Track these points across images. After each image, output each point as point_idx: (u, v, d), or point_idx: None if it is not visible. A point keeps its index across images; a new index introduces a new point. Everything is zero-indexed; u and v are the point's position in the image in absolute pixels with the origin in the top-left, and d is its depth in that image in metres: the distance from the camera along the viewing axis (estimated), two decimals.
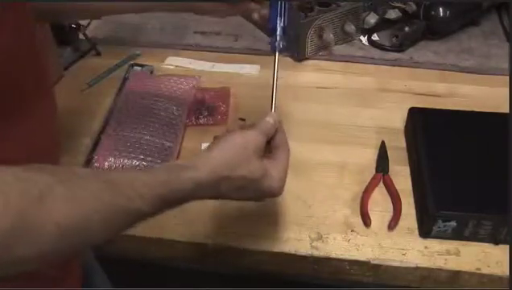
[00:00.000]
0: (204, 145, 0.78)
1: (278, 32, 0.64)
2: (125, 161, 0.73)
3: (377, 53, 0.97)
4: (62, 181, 0.40)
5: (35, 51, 0.48)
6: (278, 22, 0.64)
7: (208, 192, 0.51)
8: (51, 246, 0.39)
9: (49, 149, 0.51)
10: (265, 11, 0.68)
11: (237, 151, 0.53)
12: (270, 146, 0.57)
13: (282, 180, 0.55)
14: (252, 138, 0.54)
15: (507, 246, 0.65)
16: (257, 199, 0.56)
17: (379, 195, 0.72)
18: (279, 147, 0.57)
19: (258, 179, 0.53)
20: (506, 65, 0.93)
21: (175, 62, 0.96)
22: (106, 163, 0.73)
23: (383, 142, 0.78)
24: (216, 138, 0.55)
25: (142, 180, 0.46)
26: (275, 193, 0.55)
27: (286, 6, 0.65)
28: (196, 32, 1.01)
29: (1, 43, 0.41)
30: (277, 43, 0.64)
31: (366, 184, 0.73)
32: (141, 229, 0.67)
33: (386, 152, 0.77)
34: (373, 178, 0.73)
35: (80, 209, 0.40)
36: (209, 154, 0.52)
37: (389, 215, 0.69)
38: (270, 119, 0.58)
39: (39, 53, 0.49)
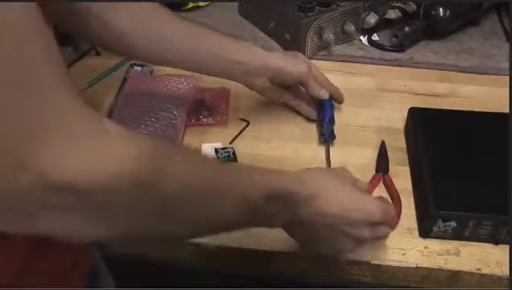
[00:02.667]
0: (204, 145, 0.78)
1: (326, 127, 0.79)
2: None
3: (377, 53, 0.97)
4: (179, 152, 0.46)
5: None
6: (326, 118, 0.80)
7: (308, 194, 0.53)
8: (171, 202, 0.41)
9: None
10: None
11: (336, 174, 0.59)
12: None
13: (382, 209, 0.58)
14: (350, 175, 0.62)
15: (507, 246, 0.65)
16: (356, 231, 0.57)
17: (379, 195, 0.72)
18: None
19: (358, 208, 0.56)
20: (506, 65, 0.93)
21: None
22: None
23: (383, 142, 0.78)
24: None
25: (255, 169, 0.50)
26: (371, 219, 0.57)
27: (332, 109, 0.81)
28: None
29: None
30: (326, 136, 0.78)
31: (366, 183, 0.73)
32: None
33: (386, 152, 0.77)
34: (373, 178, 0.73)
35: (195, 175, 0.43)
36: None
37: None
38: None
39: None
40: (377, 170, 0.74)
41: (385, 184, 0.73)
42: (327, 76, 0.93)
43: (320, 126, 0.80)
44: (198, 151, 0.47)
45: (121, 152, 0.36)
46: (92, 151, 0.35)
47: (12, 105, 0.32)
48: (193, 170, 0.43)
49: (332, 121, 0.80)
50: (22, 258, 0.47)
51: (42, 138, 0.33)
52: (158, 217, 0.41)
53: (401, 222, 0.68)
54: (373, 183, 0.72)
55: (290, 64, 0.76)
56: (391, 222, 0.61)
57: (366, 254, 0.65)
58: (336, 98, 0.82)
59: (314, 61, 0.95)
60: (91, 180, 0.34)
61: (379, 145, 0.78)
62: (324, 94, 0.79)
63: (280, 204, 0.51)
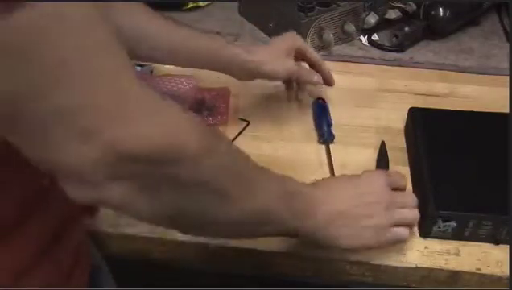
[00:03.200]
0: None
1: (323, 128, 0.80)
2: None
3: (377, 53, 0.97)
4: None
5: None
6: (322, 119, 0.81)
7: (322, 196, 0.56)
8: (222, 180, 0.44)
9: None
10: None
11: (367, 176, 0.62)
12: None
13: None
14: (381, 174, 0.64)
15: (507, 246, 0.65)
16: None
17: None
18: None
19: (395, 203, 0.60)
20: (506, 65, 0.93)
21: None
22: None
23: (383, 143, 0.78)
24: None
25: (288, 180, 0.54)
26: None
27: (329, 110, 0.83)
28: None
29: None
30: (325, 136, 0.79)
31: None
32: (141, 230, 0.67)
33: (386, 152, 0.77)
34: None
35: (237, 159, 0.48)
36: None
37: None
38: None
39: None
40: (377, 168, 0.74)
41: None
42: None
43: (318, 127, 0.81)
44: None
45: (185, 125, 0.40)
46: (158, 124, 0.37)
47: (84, 79, 0.34)
48: (237, 157, 0.48)
49: (328, 121, 0.81)
50: (24, 258, 0.47)
51: (112, 111, 0.35)
52: (211, 194, 0.43)
53: None
54: None
55: (274, 64, 0.74)
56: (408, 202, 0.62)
57: (366, 254, 0.65)
58: (326, 81, 0.80)
59: None
60: (156, 149, 0.37)
61: (379, 145, 0.78)
62: (317, 80, 0.77)
63: (299, 199, 0.54)
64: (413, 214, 0.61)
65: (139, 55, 0.73)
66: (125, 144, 0.35)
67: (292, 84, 0.82)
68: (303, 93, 0.82)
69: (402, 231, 0.60)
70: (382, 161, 0.75)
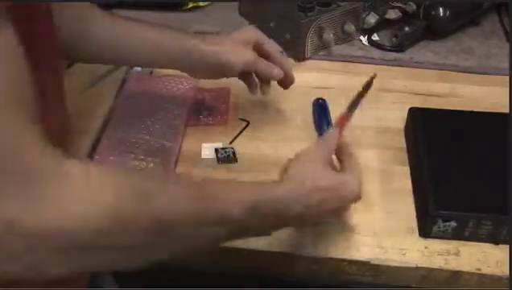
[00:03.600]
0: (204, 145, 0.78)
1: (323, 128, 0.80)
2: (126, 161, 0.73)
3: (377, 53, 0.97)
4: (163, 182, 0.43)
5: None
6: (324, 121, 0.81)
7: (298, 205, 0.52)
8: (144, 241, 0.40)
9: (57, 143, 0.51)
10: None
11: (312, 165, 0.56)
12: (338, 157, 0.61)
13: (360, 183, 0.57)
14: (317, 151, 0.58)
15: (507, 246, 0.65)
16: (342, 209, 0.59)
17: (381, 191, 0.72)
18: (347, 155, 0.60)
19: (337, 187, 0.56)
20: (506, 65, 0.93)
21: None
22: (106, 163, 0.73)
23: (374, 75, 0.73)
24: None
25: (233, 184, 0.50)
26: (357, 196, 0.57)
27: (329, 110, 0.82)
28: (196, 32, 1.01)
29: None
30: None
31: (366, 184, 0.73)
32: None
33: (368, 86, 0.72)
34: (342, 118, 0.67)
35: (177, 204, 0.43)
36: (289, 172, 0.55)
37: (391, 214, 0.69)
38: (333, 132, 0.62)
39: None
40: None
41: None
42: (327, 76, 0.93)
43: (318, 127, 0.80)
44: (181, 180, 0.48)
45: (91, 197, 0.36)
46: (58, 197, 0.35)
47: None
48: (174, 206, 0.43)
49: (328, 121, 0.80)
50: None
51: (5, 186, 0.33)
52: (137, 252, 0.41)
53: (401, 222, 0.68)
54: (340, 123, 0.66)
55: (233, 54, 0.71)
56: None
57: (366, 254, 0.65)
58: (284, 82, 0.76)
59: (314, 61, 0.96)
60: (53, 226, 0.34)
61: (379, 145, 0.78)
62: (276, 74, 0.73)
63: (269, 213, 0.51)
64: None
65: (86, 56, 0.72)
66: (24, 221, 0.33)
67: (251, 79, 0.77)
68: (269, 86, 0.77)
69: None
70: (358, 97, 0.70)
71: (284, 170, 0.56)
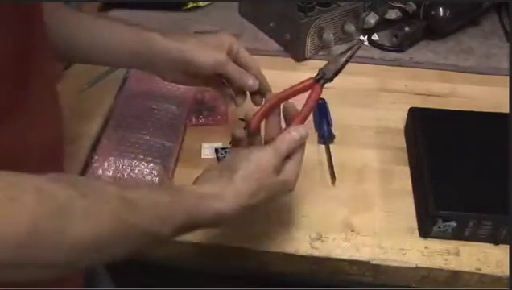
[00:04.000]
0: (204, 145, 0.78)
1: (323, 128, 0.79)
2: (125, 161, 0.73)
3: (377, 53, 0.97)
4: (83, 196, 0.40)
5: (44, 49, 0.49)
6: (324, 121, 0.80)
7: (228, 222, 0.51)
8: (64, 259, 0.39)
9: (52, 146, 0.51)
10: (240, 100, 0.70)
11: (261, 176, 0.52)
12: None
13: (297, 174, 0.56)
14: (271, 160, 0.54)
15: (507, 246, 0.65)
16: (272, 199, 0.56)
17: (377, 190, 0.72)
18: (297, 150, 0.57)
19: (276, 191, 0.54)
20: (506, 65, 0.93)
21: None
22: (106, 164, 0.73)
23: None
24: (234, 152, 0.56)
25: (164, 204, 0.46)
26: (290, 189, 0.56)
27: (329, 110, 0.82)
28: (196, 32, 1.01)
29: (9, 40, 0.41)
30: (325, 136, 0.79)
31: (366, 184, 0.73)
32: None
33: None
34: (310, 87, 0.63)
35: (97, 227, 0.40)
36: (234, 182, 0.51)
37: (391, 214, 0.69)
38: (296, 135, 0.56)
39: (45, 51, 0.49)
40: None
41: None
42: None
43: (318, 127, 0.81)
44: (103, 192, 0.43)
45: (11, 213, 0.36)
46: None
47: None
48: (93, 222, 0.41)
49: (328, 121, 0.81)
50: None
51: None
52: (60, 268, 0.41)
53: (401, 222, 0.68)
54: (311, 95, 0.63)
55: (202, 53, 0.64)
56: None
57: (366, 254, 0.65)
58: (260, 89, 0.68)
59: (314, 61, 0.96)
60: None
61: (379, 145, 0.78)
62: (252, 84, 0.66)
63: (197, 227, 0.50)
64: None
65: (60, 55, 0.64)
66: None
67: (225, 88, 0.70)
68: (244, 97, 0.69)
69: None
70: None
71: (233, 169, 0.52)
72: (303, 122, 0.59)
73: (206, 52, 0.64)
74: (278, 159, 0.54)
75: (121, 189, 0.44)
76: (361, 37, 1.00)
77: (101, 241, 0.41)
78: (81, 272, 0.56)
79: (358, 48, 0.64)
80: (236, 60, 0.66)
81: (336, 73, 0.63)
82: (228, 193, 0.50)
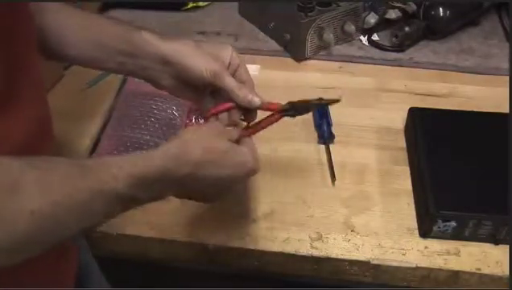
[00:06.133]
0: None
1: (323, 128, 0.79)
2: None
3: (377, 53, 0.97)
4: (35, 167, 0.40)
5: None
6: (322, 120, 0.80)
7: (187, 166, 0.50)
8: (25, 235, 0.39)
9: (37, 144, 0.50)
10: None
11: (206, 132, 0.53)
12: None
13: (255, 158, 0.54)
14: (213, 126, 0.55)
15: (507, 246, 0.65)
16: (235, 179, 0.54)
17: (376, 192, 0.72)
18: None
19: (230, 152, 0.53)
20: (506, 65, 0.93)
21: None
22: None
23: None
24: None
25: (114, 161, 0.46)
26: (252, 169, 0.54)
27: (329, 110, 0.82)
28: (196, 32, 1.01)
29: None
30: (325, 136, 0.79)
31: (366, 184, 0.73)
32: (141, 230, 0.67)
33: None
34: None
35: (53, 194, 0.40)
36: (181, 137, 0.52)
37: (391, 214, 0.69)
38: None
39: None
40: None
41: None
42: (327, 76, 0.93)
43: (318, 127, 0.81)
44: (55, 162, 0.43)
45: None
46: None
47: None
48: (47, 189, 0.41)
49: (328, 121, 0.81)
50: None
51: None
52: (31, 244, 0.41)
53: (401, 222, 0.68)
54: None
55: (198, 60, 0.58)
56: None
57: (366, 254, 0.65)
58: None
59: (314, 61, 0.96)
60: None
61: (379, 145, 0.78)
62: (254, 102, 0.59)
63: (150, 182, 0.48)
64: None
65: (54, 55, 0.61)
66: None
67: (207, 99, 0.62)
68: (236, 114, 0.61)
69: None
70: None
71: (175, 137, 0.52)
72: (249, 134, 0.60)
73: (203, 59, 0.59)
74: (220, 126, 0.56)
75: (74, 159, 0.45)
76: (361, 37, 1.00)
77: (58, 210, 0.41)
78: (74, 272, 0.56)
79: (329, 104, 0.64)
80: (233, 76, 0.61)
81: (301, 114, 0.62)
82: (157, 153, 0.50)
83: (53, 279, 0.52)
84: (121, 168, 0.45)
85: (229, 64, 0.61)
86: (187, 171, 0.50)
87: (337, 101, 0.62)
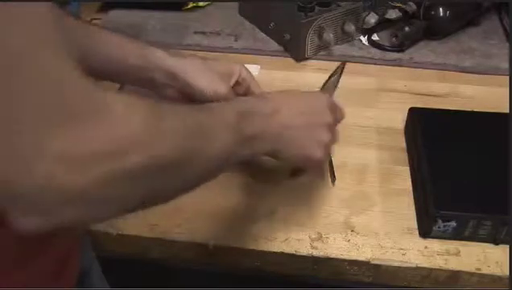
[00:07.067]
0: None
1: None
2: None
3: (377, 53, 0.97)
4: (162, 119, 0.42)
5: None
6: None
7: (271, 108, 0.54)
8: (166, 153, 0.40)
9: None
10: None
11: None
12: None
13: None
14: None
15: (507, 246, 0.65)
16: (316, 131, 0.58)
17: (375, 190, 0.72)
18: None
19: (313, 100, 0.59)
20: (506, 65, 0.93)
21: None
22: None
23: (343, 64, 0.77)
24: None
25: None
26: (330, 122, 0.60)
27: None
28: (196, 32, 1.02)
29: None
30: None
31: (366, 184, 0.73)
32: (141, 230, 0.67)
33: (340, 72, 0.75)
34: None
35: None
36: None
37: (391, 214, 0.69)
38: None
39: None
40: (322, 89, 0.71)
41: None
42: (327, 76, 0.93)
43: None
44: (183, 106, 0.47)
45: (125, 131, 0.36)
46: (101, 133, 0.34)
47: (14, 91, 0.31)
48: (186, 124, 0.43)
49: None
50: (5, 260, 0.46)
51: (51, 123, 0.32)
52: (166, 177, 0.41)
53: (401, 222, 0.68)
54: None
55: (204, 78, 0.62)
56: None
57: (366, 254, 0.65)
58: None
59: (314, 61, 0.96)
60: (104, 150, 0.34)
61: (379, 145, 0.78)
62: None
63: (250, 120, 0.51)
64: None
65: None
66: (72, 153, 0.33)
67: None
68: None
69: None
70: (333, 79, 0.74)
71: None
72: None
73: (206, 78, 0.62)
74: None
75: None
76: (361, 37, 1.00)
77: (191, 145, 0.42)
78: (73, 275, 0.56)
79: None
80: (246, 92, 0.66)
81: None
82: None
83: (56, 277, 0.53)
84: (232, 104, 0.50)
85: (240, 80, 0.64)
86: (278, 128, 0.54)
87: (343, 65, 0.69)
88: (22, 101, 0.31)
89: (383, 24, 1.00)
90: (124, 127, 0.36)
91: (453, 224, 0.64)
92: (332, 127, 0.59)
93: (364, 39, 1.00)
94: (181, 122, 0.42)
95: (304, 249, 0.65)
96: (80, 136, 0.33)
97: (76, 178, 0.33)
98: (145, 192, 0.39)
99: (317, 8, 0.94)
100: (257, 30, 1.03)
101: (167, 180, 0.41)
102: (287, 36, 0.95)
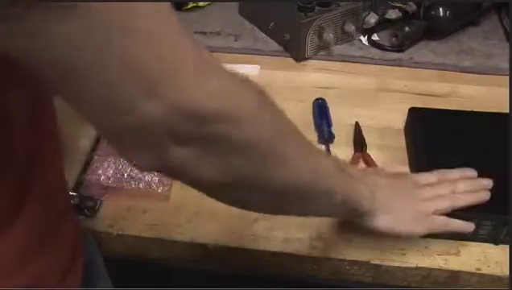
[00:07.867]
0: None
1: (323, 128, 0.81)
2: (126, 161, 0.73)
3: (377, 53, 0.97)
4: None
5: None
6: (324, 121, 0.81)
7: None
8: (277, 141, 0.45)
9: (50, 151, 0.51)
10: None
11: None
12: None
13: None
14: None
15: (507, 246, 0.65)
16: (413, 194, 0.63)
17: None
18: None
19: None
20: (506, 65, 0.93)
21: None
22: (106, 163, 0.73)
23: (357, 123, 0.81)
24: None
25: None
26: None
27: (329, 110, 0.83)
28: (196, 32, 1.01)
29: None
30: (325, 136, 0.79)
31: None
32: (141, 230, 0.67)
33: (360, 131, 0.80)
34: (353, 157, 0.76)
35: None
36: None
37: None
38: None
39: None
40: (356, 149, 0.77)
41: (364, 161, 0.76)
42: (327, 76, 0.93)
43: (318, 127, 0.81)
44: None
45: (241, 85, 0.39)
46: (217, 84, 0.37)
47: (150, 34, 0.33)
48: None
49: (328, 121, 0.81)
50: (23, 248, 0.47)
51: (174, 67, 0.34)
52: (268, 158, 0.43)
53: None
54: (353, 162, 0.75)
55: None
56: None
57: (366, 254, 0.65)
58: None
59: (314, 61, 0.96)
60: (219, 108, 0.36)
61: (379, 145, 0.78)
62: None
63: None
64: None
65: None
66: (188, 102, 0.35)
67: None
68: None
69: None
70: (359, 140, 0.79)
71: None
72: None
73: None
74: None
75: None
76: (361, 37, 1.00)
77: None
78: (80, 268, 0.56)
79: None
80: None
81: None
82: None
83: (62, 277, 0.53)
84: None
85: None
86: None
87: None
88: (143, 52, 0.33)
89: (383, 24, 1.00)
90: (235, 97, 0.38)
91: None
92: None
93: (364, 39, 1.00)
94: (286, 122, 0.50)
95: (304, 249, 0.65)
96: (192, 88, 0.35)
97: (188, 124, 0.36)
98: (232, 169, 0.41)
99: (317, 8, 0.93)
100: (257, 30, 1.02)
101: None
102: (287, 36, 0.95)
